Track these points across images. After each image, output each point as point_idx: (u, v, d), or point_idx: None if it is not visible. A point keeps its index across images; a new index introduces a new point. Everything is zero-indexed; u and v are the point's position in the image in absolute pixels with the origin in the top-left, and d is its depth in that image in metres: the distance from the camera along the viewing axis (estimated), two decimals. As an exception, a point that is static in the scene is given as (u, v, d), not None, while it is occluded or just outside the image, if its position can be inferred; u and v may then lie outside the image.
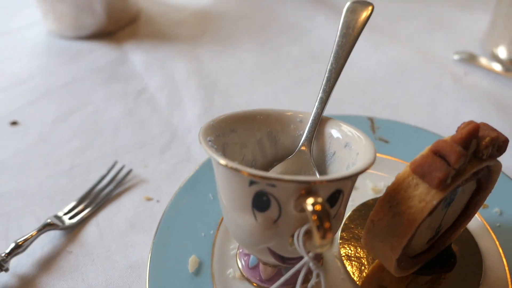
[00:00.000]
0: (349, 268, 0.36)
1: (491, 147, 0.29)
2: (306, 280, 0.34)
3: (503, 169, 0.35)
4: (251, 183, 0.27)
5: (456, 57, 0.62)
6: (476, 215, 0.40)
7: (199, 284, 0.35)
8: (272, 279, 0.35)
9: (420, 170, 0.28)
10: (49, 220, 0.41)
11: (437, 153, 0.28)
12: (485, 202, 0.40)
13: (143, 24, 0.74)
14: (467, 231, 0.39)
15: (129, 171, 0.47)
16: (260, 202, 0.28)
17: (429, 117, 0.53)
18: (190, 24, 0.75)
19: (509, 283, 0.35)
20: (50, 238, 0.41)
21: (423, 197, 0.28)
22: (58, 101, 0.58)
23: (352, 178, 0.28)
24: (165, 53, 0.67)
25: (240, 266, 0.37)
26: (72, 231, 0.42)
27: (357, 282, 0.35)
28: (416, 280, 0.35)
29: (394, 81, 0.60)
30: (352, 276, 0.36)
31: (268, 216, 0.28)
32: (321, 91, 0.36)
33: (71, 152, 0.51)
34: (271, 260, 0.32)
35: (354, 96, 0.58)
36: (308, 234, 0.27)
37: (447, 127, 0.50)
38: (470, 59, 0.61)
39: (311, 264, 0.28)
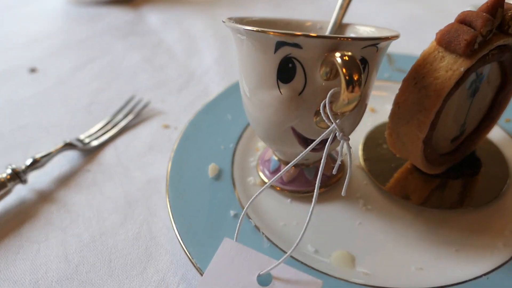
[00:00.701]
0: (372, 175, 0.35)
1: (517, 20, 0.28)
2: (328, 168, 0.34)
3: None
4: (277, 46, 0.27)
5: (471, 8, 0.62)
6: (499, 128, 0.39)
7: (220, 187, 0.35)
8: (293, 181, 0.35)
9: (446, 38, 0.28)
10: (68, 140, 0.41)
11: (463, 21, 0.28)
12: (508, 117, 0.39)
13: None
14: (490, 142, 0.38)
15: (147, 103, 0.47)
16: (286, 71, 0.28)
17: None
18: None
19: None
20: (69, 159, 0.41)
21: (450, 66, 0.28)
22: (76, 53, 0.59)
23: (377, 47, 0.28)
24: (181, 13, 0.68)
25: (261, 174, 0.36)
26: (90, 153, 0.42)
27: (381, 187, 0.34)
28: (440, 187, 0.35)
29: (410, 32, 0.60)
30: (376, 182, 0.35)
31: (293, 87, 0.28)
32: (341, -1, 0.36)
33: (90, 92, 0.51)
34: (295, 148, 0.31)
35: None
36: (334, 98, 0.27)
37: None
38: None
39: (337, 133, 0.27)
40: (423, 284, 0.28)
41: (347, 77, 0.24)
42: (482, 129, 0.35)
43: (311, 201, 0.34)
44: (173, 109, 0.47)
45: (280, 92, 0.28)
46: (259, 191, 0.28)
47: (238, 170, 0.37)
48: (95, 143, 0.42)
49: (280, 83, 0.28)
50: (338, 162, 0.29)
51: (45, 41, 0.62)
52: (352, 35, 0.36)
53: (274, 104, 0.29)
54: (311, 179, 0.34)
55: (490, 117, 0.35)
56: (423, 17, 0.63)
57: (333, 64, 0.26)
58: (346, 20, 0.36)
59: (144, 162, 0.41)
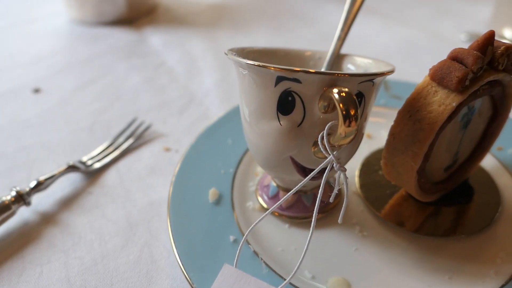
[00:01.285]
0: (368, 202, 0.36)
1: (506, 57, 0.30)
2: (326, 195, 0.35)
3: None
4: (278, 80, 0.28)
5: (463, 36, 0.64)
6: (492, 156, 0.40)
7: (220, 211, 0.36)
8: (292, 207, 0.36)
9: (439, 74, 0.29)
10: (71, 163, 0.42)
11: (455, 58, 0.29)
12: (500, 145, 0.40)
13: (161, 14, 0.77)
14: (483, 170, 0.39)
15: (149, 126, 0.48)
16: (285, 104, 0.29)
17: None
18: (207, 13, 0.78)
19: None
20: (71, 181, 0.42)
21: (443, 101, 0.29)
22: (79, 73, 0.61)
23: (373, 82, 0.29)
24: (183, 35, 0.70)
25: (260, 199, 0.37)
26: (93, 176, 0.43)
27: (377, 213, 0.35)
28: (434, 214, 0.36)
29: (405, 55, 0.61)
30: (372, 208, 0.36)
31: (293, 119, 0.29)
32: (338, 30, 0.38)
33: (92, 112, 0.52)
34: (293, 176, 0.32)
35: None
36: (332, 130, 0.28)
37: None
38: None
39: (334, 164, 0.28)
40: (416, 311, 0.29)
41: (344, 112, 0.25)
42: (474, 158, 0.36)
43: (309, 226, 0.35)
44: (174, 131, 0.48)
45: (280, 123, 0.30)
46: (260, 218, 0.28)
47: (237, 195, 0.38)
48: (97, 165, 0.43)
49: (280, 114, 0.29)
50: (335, 191, 0.30)
51: (48, 61, 0.64)
52: (350, 65, 0.37)
53: (273, 135, 0.30)
54: (309, 205, 0.35)
55: (482, 146, 0.36)
56: (418, 41, 0.65)
57: (330, 98, 0.27)
58: (344, 44, 0.37)
59: (146, 184, 0.42)
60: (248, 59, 0.35)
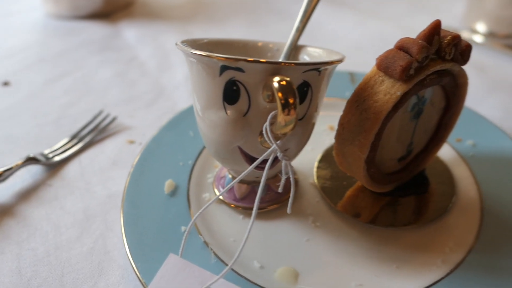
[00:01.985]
0: (324, 193, 0.36)
1: (453, 46, 0.30)
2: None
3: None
4: (222, 70, 0.28)
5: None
6: (450, 147, 0.40)
7: (174, 203, 0.36)
8: (246, 198, 0.36)
9: (384, 63, 0.29)
10: (31, 155, 0.42)
11: (401, 48, 0.29)
12: (459, 136, 0.40)
13: (138, 7, 0.77)
14: (440, 161, 0.39)
15: (114, 119, 0.48)
16: (230, 93, 0.29)
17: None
18: (183, 8, 0.77)
19: (480, 203, 0.35)
20: (32, 173, 0.42)
21: (388, 90, 0.29)
22: (51, 67, 0.60)
23: (319, 71, 0.29)
24: (158, 29, 0.69)
25: (216, 191, 0.37)
26: (54, 168, 0.43)
27: (339, 209, 0.35)
28: (389, 205, 0.36)
29: (378, 49, 0.61)
30: (327, 199, 0.36)
31: (238, 109, 0.29)
32: (297, 22, 0.38)
33: (61, 106, 0.52)
34: (243, 167, 0.32)
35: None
36: (274, 119, 0.28)
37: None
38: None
39: (278, 153, 0.28)
40: (361, 300, 0.29)
41: (282, 101, 0.25)
42: (430, 149, 0.37)
43: (264, 217, 0.35)
44: (140, 124, 0.48)
45: (226, 113, 0.29)
46: (206, 205, 0.28)
47: (194, 187, 0.38)
48: (58, 158, 0.43)
49: (226, 104, 0.29)
50: (282, 181, 0.30)
51: (21, 54, 0.63)
52: (305, 56, 0.37)
53: (221, 124, 0.30)
54: (263, 196, 0.35)
55: (437, 137, 0.36)
56: (392, 36, 0.65)
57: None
58: (315, 38, 0.37)
59: (107, 177, 0.41)
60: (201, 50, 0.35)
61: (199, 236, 0.33)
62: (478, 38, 0.61)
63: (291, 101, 0.25)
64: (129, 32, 0.69)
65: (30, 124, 0.49)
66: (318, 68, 0.29)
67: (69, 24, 0.72)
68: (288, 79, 0.26)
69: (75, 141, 0.45)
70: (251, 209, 0.35)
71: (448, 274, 0.30)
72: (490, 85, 0.51)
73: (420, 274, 0.30)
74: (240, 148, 0.31)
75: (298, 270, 0.31)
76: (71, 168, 0.43)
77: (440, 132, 0.36)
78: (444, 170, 0.38)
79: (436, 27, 0.29)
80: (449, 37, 0.29)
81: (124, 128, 0.48)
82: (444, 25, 0.29)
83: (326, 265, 0.31)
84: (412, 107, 0.32)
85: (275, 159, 0.31)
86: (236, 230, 0.34)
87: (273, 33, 0.68)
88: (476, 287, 0.29)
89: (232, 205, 0.36)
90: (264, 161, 0.30)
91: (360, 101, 0.30)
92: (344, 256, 0.32)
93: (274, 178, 0.36)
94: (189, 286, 0.28)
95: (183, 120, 0.44)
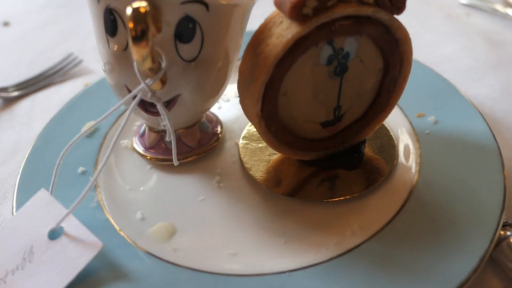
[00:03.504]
0: (241, 153, 0.33)
1: (374, -13, 0.24)
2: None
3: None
4: (97, -4, 0.26)
5: (463, 0, 0.55)
6: (406, 121, 0.34)
7: (87, 144, 0.34)
8: (154, 147, 0.33)
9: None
10: (-14, 86, 0.43)
11: (303, -18, 0.24)
12: (422, 111, 0.34)
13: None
14: (388, 135, 0.33)
15: (79, 62, 0.48)
16: (109, 24, 0.26)
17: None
18: None
19: (410, 189, 0.29)
20: (-16, 104, 0.43)
21: (282, 32, 0.25)
22: (50, 12, 0.61)
23: (208, 6, 0.25)
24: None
25: (133, 139, 0.35)
26: (9, 102, 0.44)
27: (250, 171, 0.31)
28: (309, 177, 0.31)
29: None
30: (242, 161, 0.32)
31: (118, 42, 0.27)
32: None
33: (43, 48, 0.53)
34: (137, 110, 0.30)
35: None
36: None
37: (425, 54, 0.45)
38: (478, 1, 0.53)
39: (148, 93, 0.26)
40: (225, 269, 0.25)
41: (132, 32, 0.23)
42: (369, 118, 0.31)
43: (171, 170, 0.32)
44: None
45: (109, 46, 0.27)
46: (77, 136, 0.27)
47: (115, 131, 0.36)
48: (16, 93, 0.44)
49: (108, 37, 0.27)
50: (163, 124, 0.27)
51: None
52: None
53: (106, 60, 0.28)
54: (170, 148, 0.33)
55: (377, 105, 0.31)
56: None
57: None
58: None
59: (51, 116, 0.41)
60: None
61: (89, 177, 0.31)
62: (510, 11, 0.51)
63: (138, 29, 0.22)
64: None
65: (9, 61, 0.51)
66: (203, 1, 0.25)
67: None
68: (143, 5, 0.23)
69: (36, 80, 0.46)
70: (157, 159, 0.33)
71: (330, 260, 0.25)
72: (497, 61, 0.43)
73: (304, 254, 0.26)
74: (127, 87, 0.28)
75: (177, 228, 0.28)
76: (24, 104, 0.43)
77: (381, 98, 0.30)
78: (390, 146, 0.33)
79: (349, -41, 0.24)
80: (366, -26, 0.24)
81: (87, 72, 0.47)
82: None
83: (207, 228, 0.28)
84: (328, 60, 0.27)
85: (170, 103, 0.29)
86: (138, 180, 0.32)
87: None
88: (351, 279, 0.24)
89: (141, 153, 0.34)
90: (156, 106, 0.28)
91: (257, 44, 0.26)
92: (232, 222, 0.29)
93: (187, 130, 0.33)
94: (45, 222, 0.27)
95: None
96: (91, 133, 0.35)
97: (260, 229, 0.28)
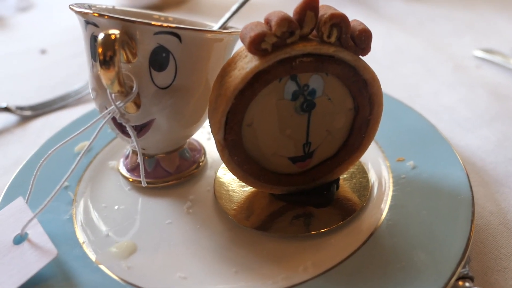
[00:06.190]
0: (215, 183, 0.34)
1: (334, 27, 0.25)
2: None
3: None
4: (85, 24, 0.28)
5: (476, 52, 0.54)
6: (385, 167, 0.34)
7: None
8: (135, 169, 0.35)
9: (243, 33, 0.26)
10: (6, 105, 0.47)
11: (266, 19, 0.26)
12: (403, 155, 0.34)
13: (191, 5, 0.82)
14: (366, 177, 0.33)
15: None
16: (93, 49, 0.29)
17: (411, 92, 0.47)
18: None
19: (371, 231, 0.28)
20: (3, 120, 0.47)
21: (243, 65, 0.26)
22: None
23: (179, 38, 0.27)
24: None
25: (121, 160, 0.37)
26: (23, 120, 0.47)
27: (219, 200, 0.32)
28: (281, 211, 0.31)
29: (392, 63, 0.55)
30: (215, 191, 0.33)
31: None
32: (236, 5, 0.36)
33: (67, 75, 0.58)
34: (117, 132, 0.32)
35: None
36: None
37: (424, 102, 0.44)
38: (490, 53, 0.53)
39: (117, 116, 0.27)
40: (171, 291, 0.26)
41: (101, 57, 0.25)
42: (342, 158, 0.31)
43: (147, 193, 0.34)
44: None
45: (93, 70, 0.30)
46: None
47: (108, 151, 0.38)
48: (30, 113, 0.48)
49: (93, 61, 0.30)
50: (132, 145, 0.29)
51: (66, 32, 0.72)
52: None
53: (91, 82, 0.30)
54: (150, 171, 0.34)
55: (350, 144, 0.31)
56: (415, 48, 0.58)
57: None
58: None
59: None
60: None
61: (69, 193, 0.33)
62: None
63: (108, 55, 0.25)
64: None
65: (36, 85, 0.55)
66: (175, 34, 0.27)
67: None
68: (115, 32, 0.25)
69: (53, 102, 0.50)
70: (136, 181, 0.34)
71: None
72: (496, 114, 0.42)
73: (250, 285, 0.26)
74: (106, 109, 0.30)
75: (138, 247, 0.29)
76: (37, 123, 0.47)
77: (352, 138, 0.31)
78: (363, 187, 0.32)
79: (310, 1, 0.25)
80: (326, 16, 0.25)
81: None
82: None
83: (166, 250, 0.29)
84: (293, 95, 0.28)
85: (145, 126, 0.31)
86: (115, 198, 0.34)
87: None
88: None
89: (126, 176, 0.35)
90: (135, 129, 0.30)
91: (223, 75, 0.27)
92: (190, 246, 0.29)
93: (166, 155, 0.34)
94: (14, 227, 0.28)
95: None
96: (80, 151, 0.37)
97: (215, 256, 0.28)
